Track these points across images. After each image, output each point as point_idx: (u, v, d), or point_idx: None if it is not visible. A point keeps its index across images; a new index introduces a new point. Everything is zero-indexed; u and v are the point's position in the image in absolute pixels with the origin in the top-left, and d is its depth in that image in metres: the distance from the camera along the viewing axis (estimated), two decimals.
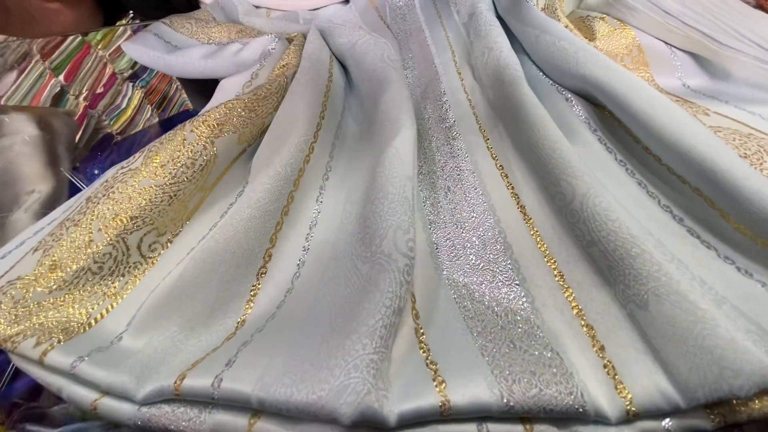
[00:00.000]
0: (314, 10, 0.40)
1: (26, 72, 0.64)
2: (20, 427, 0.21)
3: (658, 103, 0.22)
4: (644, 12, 0.26)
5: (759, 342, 0.15)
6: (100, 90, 0.68)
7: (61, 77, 0.65)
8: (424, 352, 0.16)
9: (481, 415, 0.14)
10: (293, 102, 0.24)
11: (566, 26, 0.28)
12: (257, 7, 0.39)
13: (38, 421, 0.22)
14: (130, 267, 0.20)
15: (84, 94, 0.65)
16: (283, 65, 0.27)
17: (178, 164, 0.22)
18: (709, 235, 0.20)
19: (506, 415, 0.14)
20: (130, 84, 0.66)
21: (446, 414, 0.13)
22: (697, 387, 0.14)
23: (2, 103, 0.57)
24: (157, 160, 0.22)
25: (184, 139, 0.22)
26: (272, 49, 0.28)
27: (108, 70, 0.68)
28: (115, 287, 0.20)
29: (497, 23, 0.31)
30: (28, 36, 0.44)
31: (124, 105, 0.65)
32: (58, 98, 0.63)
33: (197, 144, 0.22)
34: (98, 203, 0.21)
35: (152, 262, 0.21)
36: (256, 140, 0.25)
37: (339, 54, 0.29)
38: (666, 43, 0.27)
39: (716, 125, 0.25)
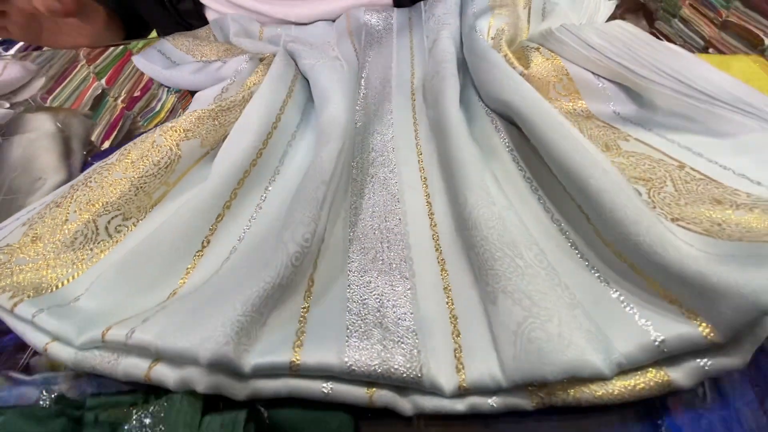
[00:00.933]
0: (304, 24, 0.45)
1: (72, 74, 0.72)
2: (4, 373, 0.26)
3: (559, 128, 0.24)
4: (571, 45, 0.28)
5: (591, 341, 0.17)
6: (137, 93, 0.76)
7: (103, 81, 0.73)
8: (299, 323, 0.19)
9: (325, 374, 0.17)
10: (248, 114, 0.28)
11: (505, 55, 0.31)
12: (259, 14, 0.44)
13: (22, 370, 0.26)
14: (97, 243, 0.25)
15: (122, 97, 0.73)
16: (250, 82, 0.31)
17: (147, 162, 0.26)
18: (585, 247, 0.22)
19: (348, 377, 0.17)
20: (165, 89, 0.73)
21: (295, 370, 0.17)
22: (517, 371, 0.17)
23: (48, 101, 0.65)
24: (130, 158, 0.26)
25: (154, 142, 0.27)
26: (243, 67, 0.32)
27: (146, 76, 0.76)
28: (83, 259, 0.24)
29: (452, 51, 0.34)
30: (60, 46, 0.51)
31: (158, 108, 0.73)
32: (99, 100, 0.71)
33: (164, 146, 0.27)
34: (78, 190, 0.25)
35: (116, 241, 0.25)
36: (219, 145, 0.29)
37: (304, 73, 0.34)
38: (593, 73, 0.29)
39: (631, 150, 0.27)
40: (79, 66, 0.76)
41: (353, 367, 0.17)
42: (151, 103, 0.76)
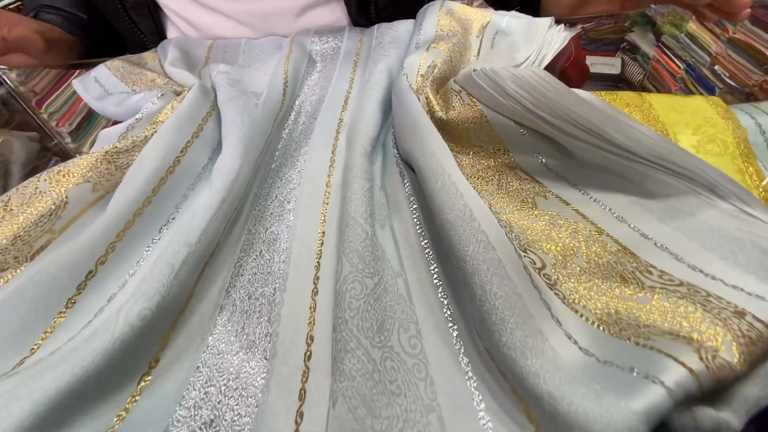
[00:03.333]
0: (253, 39, 0.43)
1: (66, 84, 0.72)
2: None
3: (449, 190, 0.22)
4: (488, 91, 0.26)
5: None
6: None
7: None
8: (117, 419, 0.17)
9: None
10: (144, 156, 0.27)
11: (426, 98, 0.29)
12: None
13: None
14: None
15: None
16: (156, 121, 0.30)
17: (28, 210, 0.25)
18: (464, 330, 0.20)
19: None
20: None
21: None
22: None
23: (44, 107, 0.65)
24: (9, 206, 0.25)
25: (37, 188, 0.25)
26: (153, 103, 0.31)
27: None
28: None
29: (382, 87, 0.32)
30: (46, 64, 0.51)
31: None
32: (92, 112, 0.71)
33: (49, 192, 0.25)
34: None
35: None
36: (114, 188, 0.28)
37: (220, 107, 0.32)
38: (514, 121, 0.27)
39: (548, 210, 0.25)
40: (77, 72, 0.76)
41: None
42: None
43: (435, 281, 0.22)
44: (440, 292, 0.21)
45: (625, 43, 1.48)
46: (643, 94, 0.35)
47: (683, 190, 0.23)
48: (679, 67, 1.31)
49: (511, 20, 0.40)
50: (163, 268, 0.20)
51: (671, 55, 1.33)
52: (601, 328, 0.18)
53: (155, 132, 0.29)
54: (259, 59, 0.41)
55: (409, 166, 0.26)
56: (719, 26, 1.12)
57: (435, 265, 0.22)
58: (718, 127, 0.30)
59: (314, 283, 0.22)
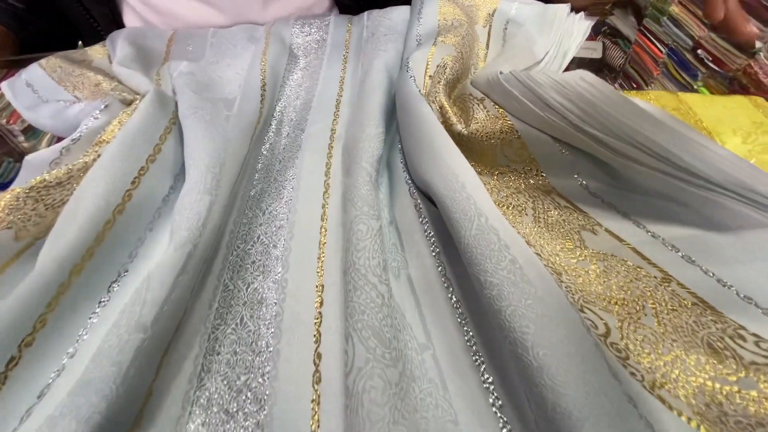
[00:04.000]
0: (222, 29, 0.37)
1: None
2: None
3: (483, 239, 0.17)
4: (521, 99, 0.21)
5: None
6: None
7: None
8: None
9: None
10: (81, 194, 0.20)
11: (440, 107, 0.23)
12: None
13: None
14: None
15: None
16: (100, 141, 0.23)
17: None
18: (503, 395, 0.15)
19: None
20: None
21: None
22: None
23: None
24: None
25: None
26: (95, 117, 0.24)
27: None
28: None
29: (382, 90, 0.27)
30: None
31: None
32: None
33: None
34: None
35: None
36: (46, 233, 0.21)
37: (182, 121, 0.26)
38: (551, 136, 0.22)
39: (599, 249, 0.20)
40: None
41: None
42: None
43: (473, 358, 0.17)
44: (483, 374, 0.16)
45: (606, 27, 1.46)
46: (678, 94, 0.30)
47: (760, 222, 0.19)
48: (661, 52, 1.29)
49: (522, 7, 0.35)
50: (107, 369, 0.14)
51: (653, 39, 1.31)
52: (703, 429, 0.14)
53: (98, 157, 0.22)
54: (230, 53, 0.34)
55: (425, 195, 0.21)
56: (702, 9, 1.10)
57: (471, 333, 0.17)
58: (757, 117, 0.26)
59: (315, 384, 0.17)
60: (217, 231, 0.20)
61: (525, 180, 0.23)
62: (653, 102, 0.29)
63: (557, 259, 0.20)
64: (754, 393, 0.14)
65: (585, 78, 0.19)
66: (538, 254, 0.19)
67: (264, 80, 0.29)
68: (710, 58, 1.15)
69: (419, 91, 0.24)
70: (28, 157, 0.23)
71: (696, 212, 0.20)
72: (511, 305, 0.15)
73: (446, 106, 0.23)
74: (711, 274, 0.19)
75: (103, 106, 0.25)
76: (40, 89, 0.31)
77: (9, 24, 0.40)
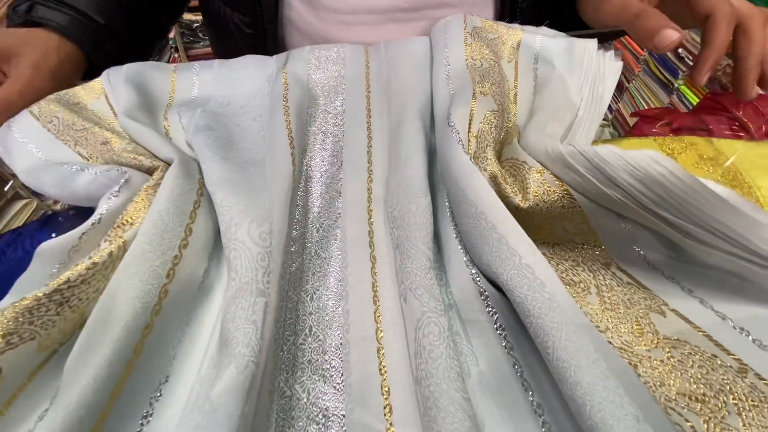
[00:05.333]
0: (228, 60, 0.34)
1: None
2: None
3: (567, 336, 0.16)
4: (586, 176, 0.20)
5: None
6: None
7: None
8: None
9: None
10: (113, 296, 0.18)
11: (492, 177, 0.22)
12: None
13: None
14: None
15: None
16: (122, 222, 0.21)
17: None
18: None
19: None
20: None
21: None
22: None
23: None
24: None
25: None
26: (115, 195, 0.22)
27: None
28: None
29: (419, 152, 0.25)
30: None
31: None
32: None
33: None
34: None
35: None
36: (72, 337, 0.19)
37: (211, 194, 0.23)
38: (616, 213, 0.21)
39: (671, 335, 0.19)
40: None
41: None
42: None
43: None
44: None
45: None
46: (713, 140, 0.30)
47: None
48: (643, 50, 1.31)
49: (545, 40, 0.34)
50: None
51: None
52: None
53: (122, 244, 0.20)
54: (243, 94, 0.32)
55: (489, 280, 0.20)
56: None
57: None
58: None
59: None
60: (273, 342, 0.18)
61: (582, 251, 0.22)
62: (688, 149, 0.29)
63: (632, 348, 0.19)
64: None
65: (659, 161, 0.18)
66: (609, 342, 0.18)
67: (291, 135, 0.27)
68: (690, 57, 1.17)
69: (469, 158, 0.22)
70: (40, 248, 0.20)
71: (759, 288, 0.20)
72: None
73: (499, 177, 0.22)
74: None
75: (122, 181, 0.22)
76: (36, 145, 0.28)
77: (82, 42, 0.35)
